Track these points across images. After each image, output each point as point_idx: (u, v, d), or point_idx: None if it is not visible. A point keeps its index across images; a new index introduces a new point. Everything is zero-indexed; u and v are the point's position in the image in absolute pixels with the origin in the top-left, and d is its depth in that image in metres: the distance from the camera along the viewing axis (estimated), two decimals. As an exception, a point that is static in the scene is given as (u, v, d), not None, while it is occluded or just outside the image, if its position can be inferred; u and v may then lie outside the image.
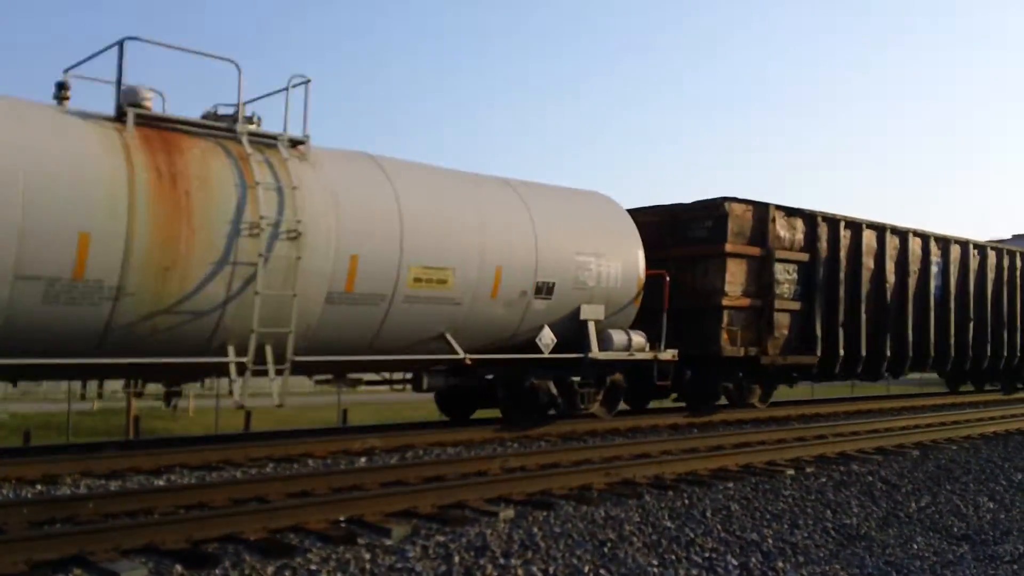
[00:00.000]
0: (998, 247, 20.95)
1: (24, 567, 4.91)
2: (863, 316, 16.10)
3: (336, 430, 12.35)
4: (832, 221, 15.71)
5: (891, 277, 16.98)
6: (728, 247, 13.88)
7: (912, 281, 17.53)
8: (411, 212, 10.04)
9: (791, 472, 8.83)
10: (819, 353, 15.13)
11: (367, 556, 5.31)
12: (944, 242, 18.84)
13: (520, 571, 5.16)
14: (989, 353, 19.94)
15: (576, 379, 11.94)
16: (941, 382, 23.91)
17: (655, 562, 5.52)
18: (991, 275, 20.28)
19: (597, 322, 12.01)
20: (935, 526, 7.05)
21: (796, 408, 16.14)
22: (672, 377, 13.06)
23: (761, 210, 14.46)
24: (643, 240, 12.92)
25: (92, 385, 11.09)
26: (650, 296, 12.90)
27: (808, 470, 8.99)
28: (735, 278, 13.97)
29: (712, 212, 14.19)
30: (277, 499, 6.89)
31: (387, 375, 11.28)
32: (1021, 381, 23.13)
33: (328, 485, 7.38)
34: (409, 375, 11.18)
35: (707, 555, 5.75)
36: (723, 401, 14.71)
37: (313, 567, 5.06)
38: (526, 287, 11.17)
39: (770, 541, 6.17)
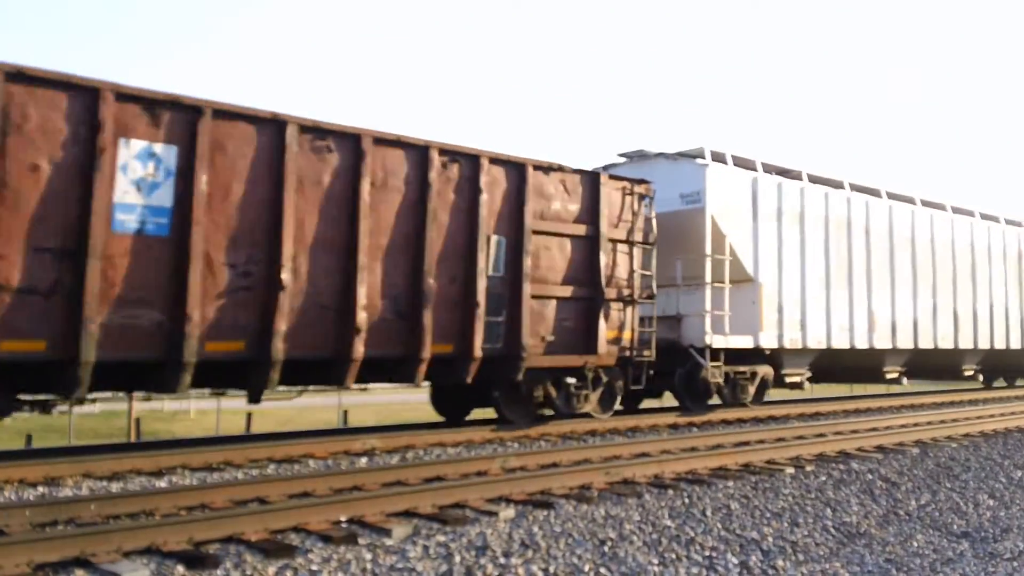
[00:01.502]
0: (412, 142, 10.07)
1: (26, 568, 4.93)
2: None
3: (337, 431, 12.35)
4: None
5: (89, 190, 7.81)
6: None
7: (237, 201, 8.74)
8: None
9: (791, 470, 8.84)
10: None
11: (368, 556, 5.34)
12: (272, 126, 8.99)
13: (520, 570, 5.18)
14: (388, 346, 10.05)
15: None
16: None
17: (655, 561, 5.54)
18: (400, 199, 9.99)
19: None
20: (935, 523, 7.07)
21: (795, 407, 16.17)
22: None
23: None
24: None
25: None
26: None
27: (808, 468, 9.00)
28: None
29: None
30: (278, 500, 6.91)
31: None
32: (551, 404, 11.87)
33: (329, 486, 7.40)
34: None
35: (707, 553, 5.77)
36: None
37: (314, 567, 5.08)
38: None
39: (770, 539, 6.19)
